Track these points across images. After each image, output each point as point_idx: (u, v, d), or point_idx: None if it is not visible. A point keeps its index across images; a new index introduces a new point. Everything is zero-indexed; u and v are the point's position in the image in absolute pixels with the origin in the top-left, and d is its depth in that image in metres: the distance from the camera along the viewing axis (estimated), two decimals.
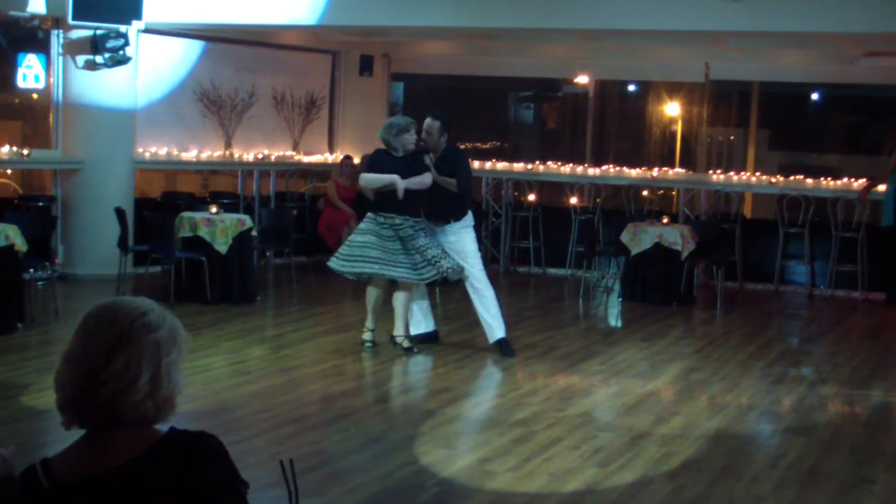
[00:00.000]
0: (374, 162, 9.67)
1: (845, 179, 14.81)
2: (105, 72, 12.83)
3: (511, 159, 16.54)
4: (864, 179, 14.44)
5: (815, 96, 22.27)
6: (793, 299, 13.94)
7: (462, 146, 18.50)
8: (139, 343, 2.57)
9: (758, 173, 15.83)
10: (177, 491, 2.50)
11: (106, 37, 12.55)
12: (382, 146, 9.60)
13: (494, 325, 9.60)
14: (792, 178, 15.00)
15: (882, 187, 13.77)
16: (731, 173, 15.60)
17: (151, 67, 13.89)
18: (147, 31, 13.33)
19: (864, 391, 8.82)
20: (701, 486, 6.23)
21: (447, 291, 13.42)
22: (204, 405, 7.62)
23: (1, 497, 2.43)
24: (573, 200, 15.27)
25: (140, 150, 13.75)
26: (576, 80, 18.15)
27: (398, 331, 9.52)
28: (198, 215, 11.81)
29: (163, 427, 2.59)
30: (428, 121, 9.67)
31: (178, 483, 2.51)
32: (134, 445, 2.53)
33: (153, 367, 2.56)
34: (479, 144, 20.99)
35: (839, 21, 11.45)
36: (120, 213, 12.02)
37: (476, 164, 16.39)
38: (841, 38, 12.92)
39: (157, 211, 13.08)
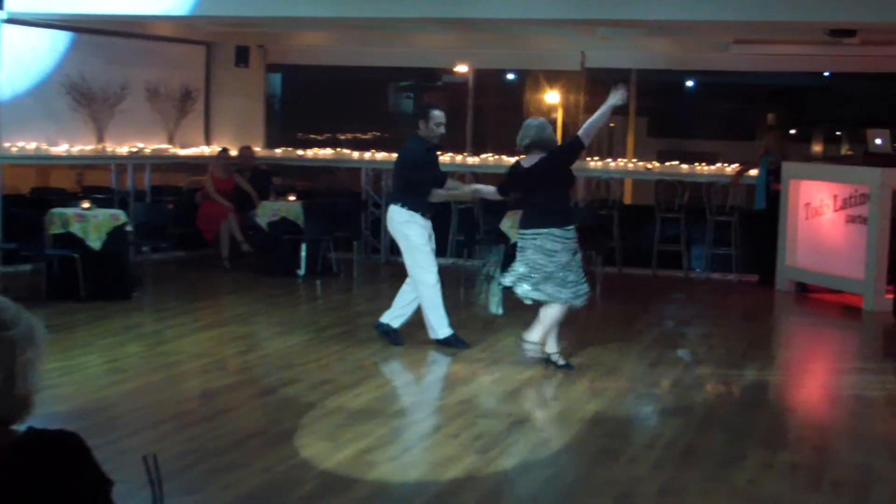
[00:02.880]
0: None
1: (719, 164, 15.11)
2: None
3: (391, 150, 16.50)
4: (737, 164, 14.75)
5: (690, 84, 22.68)
6: (670, 283, 14.16)
7: (342, 137, 18.49)
8: None
9: (634, 160, 16.05)
10: (36, 492, 2.44)
11: None
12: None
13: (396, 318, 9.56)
14: (667, 163, 15.24)
15: (754, 172, 14.08)
16: (609, 160, 15.79)
17: (15, 59, 13.50)
18: (9, 21, 12.98)
19: (737, 371, 9.00)
20: (579, 469, 6.29)
21: (327, 282, 13.37)
22: (78, 405, 7.46)
23: None
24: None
25: (6, 144, 13.37)
26: (455, 70, 18.20)
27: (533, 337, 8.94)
28: (69, 211, 11.56)
29: (20, 427, 2.52)
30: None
31: (38, 484, 2.44)
32: None
33: (7, 366, 2.48)
34: (359, 135, 20.94)
35: (706, 9, 11.65)
36: None
37: (355, 154, 16.35)
38: (709, 25, 13.15)
39: (27, 207, 12.77)
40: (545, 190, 8.68)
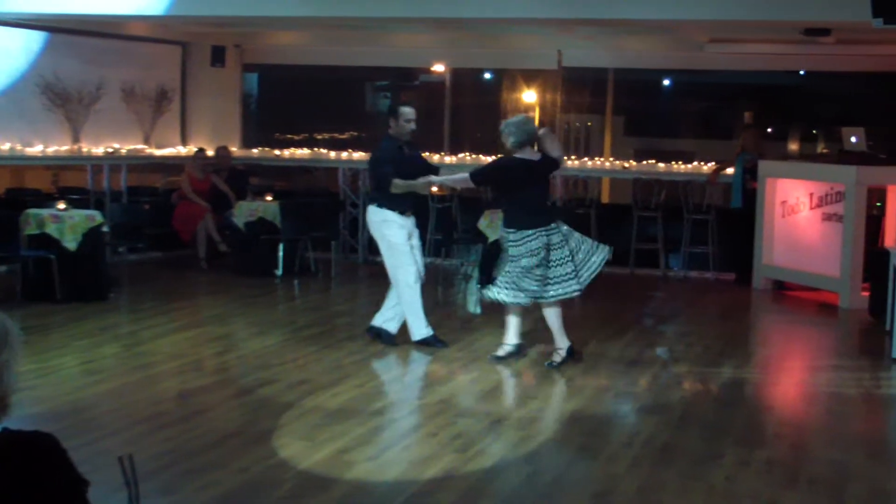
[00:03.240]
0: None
1: (696, 163, 15.15)
2: None
3: (368, 149, 16.47)
4: (714, 163, 14.80)
5: (666, 83, 22.73)
6: (647, 282, 14.19)
7: (319, 137, 18.47)
8: None
9: (612, 159, 16.09)
10: (12, 493, 2.42)
11: None
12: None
13: (390, 321, 9.53)
14: (644, 162, 15.27)
15: (731, 170, 14.13)
16: (586, 159, 15.82)
17: None
18: None
19: (715, 369, 9.03)
20: (558, 468, 6.29)
21: (305, 282, 13.35)
22: (53, 406, 7.42)
23: None
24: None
25: None
26: (432, 69, 18.21)
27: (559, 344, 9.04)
28: (45, 212, 11.50)
29: None
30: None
31: (13, 485, 2.43)
32: None
33: None
34: (336, 135, 20.92)
35: (682, 9, 11.71)
36: None
37: (332, 154, 16.33)
38: (685, 25, 13.19)
39: (2, 208, 12.70)
40: (540, 188, 8.72)
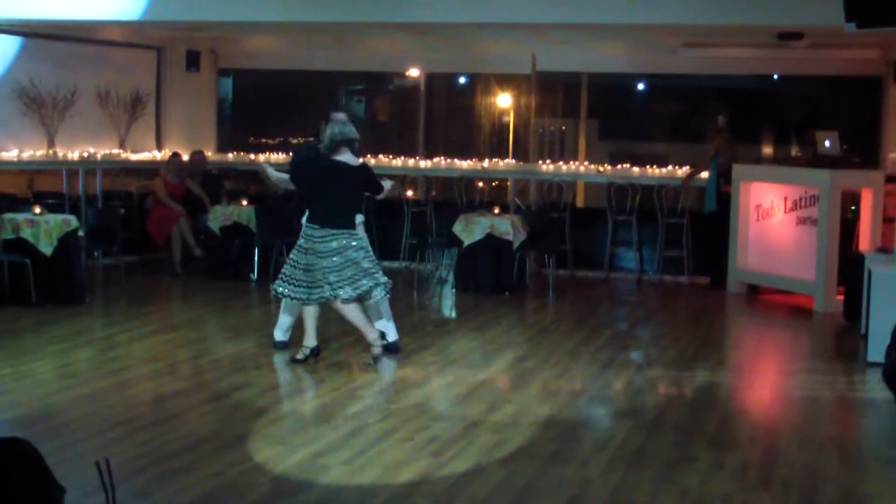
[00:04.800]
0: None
1: (670, 167, 15.21)
2: None
3: None
4: (688, 167, 14.86)
5: (640, 86, 22.78)
6: (622, 285, 14.25)
7: (294, 141, 18.42)
8: None
9: (587, 163, 16.12)
10: None
11: None
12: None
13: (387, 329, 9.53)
14: (619, 166, 15.32)
15: (704, 174, 14.19)
16: (561, 163, 15.85)
17: None
18: None
19: (688, 372, 9.07)
20: (532, 472, 6.31)
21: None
22: (27, 411, 7.41)
23: None
24: (408, 193, 15.32)
25: None
26: (407, 73, 18.21)
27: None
28: (20, 216, 11.48)
29: None
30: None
31: None
32: None
33: None
34: (310, 139, 20.83)
35: (655, 13, 11.77)
36: None
37: None
38: (658, 29, 13.25)
39: None
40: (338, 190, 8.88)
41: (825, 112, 19.51)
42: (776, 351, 10.94)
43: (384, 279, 8.99)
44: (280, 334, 9.55)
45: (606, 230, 14.60)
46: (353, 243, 8.83)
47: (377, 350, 9.03)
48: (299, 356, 9.03)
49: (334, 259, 8.75)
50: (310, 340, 9.05)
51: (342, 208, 8.86)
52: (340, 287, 8.78)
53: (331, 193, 8.84)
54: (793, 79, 18.25)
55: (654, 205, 14.44)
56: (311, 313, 9.01)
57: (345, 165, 8.86)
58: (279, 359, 9.26)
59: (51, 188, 15.37)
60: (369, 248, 9.07)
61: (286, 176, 9.28)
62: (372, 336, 9.02)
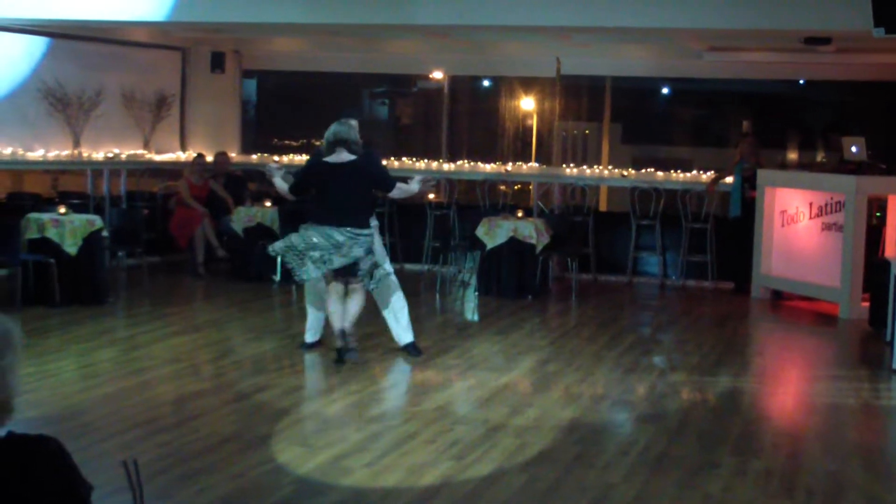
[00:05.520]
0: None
1: (694, 172, 15.16)
2: None
3: None
4: (712, 172, 14.81)
5: (664, 91, 22.72)
6: (645, 290, 14.21)
7: (317, 143, 18.44)
8: None
9: (610, 166, 16.08)
10: (16, 497, 2.42)
11: None
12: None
13: (404, 332, 9.49)
14: (643, 170, 15.27)
15: (729, 179, 14.13)
16: (584, 167, 15.81)
17: None
18: None
19: (712, 378, 9.03)
20: (554, 476, 6.28)
21: (302, 288, 13.32)
22: (51, 410, 7.42)
23: None
24: (430, 196, 15.30)
25: None
26: (430, 76, 18.22)
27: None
28: (45, 216, 11.52)
29: None
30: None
31: (17, 488, 2.43)
32: None
33: None
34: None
35: (681, 17, 11.72)
36: None
37: None
38: (683, 33, 13.21)
39: (2, 212, 12.70)
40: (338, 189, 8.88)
41: (852, 117, 19.42)
42: (800, 357, 10.88)
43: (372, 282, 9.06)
44: (310, 336, 9.52)
45: (630, 234, 14.55)
46: (359, 248, 8.85)
47: (339, 343, 9.06)
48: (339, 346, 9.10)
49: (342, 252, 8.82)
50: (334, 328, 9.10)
51: (348, 208, 8.84)
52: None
53: (333, 194, 8.86)
54: (819, 83, 18.18)
55: (677, 209, 14.39)
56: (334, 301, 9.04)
57: (341, 164, 8.86)
58: (304, 359, 9.26)
59: (75, 188, 15.45)
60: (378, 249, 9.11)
61: (286, 187, 9.26)
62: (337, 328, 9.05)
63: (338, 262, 8.82)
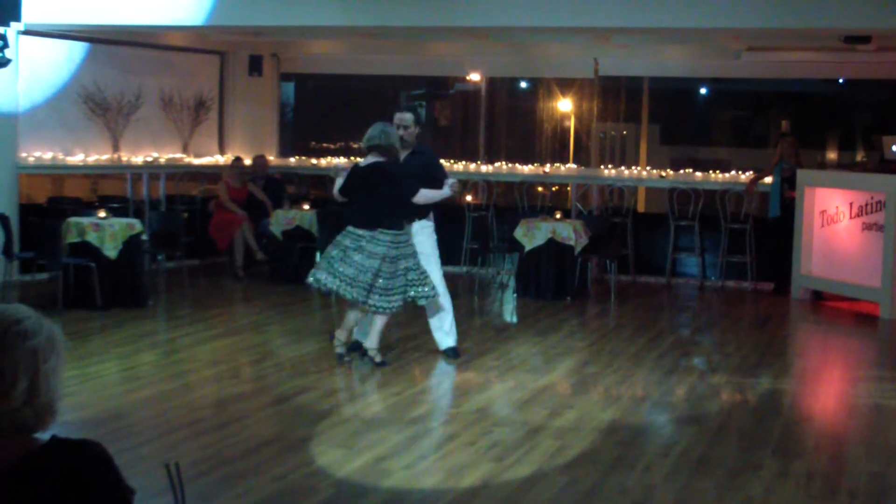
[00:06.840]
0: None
1: (733, 172, 15.08)
2: None
3: None
4: (752, 172, 14.73)
5: (702, 91, 22.64)
6: (684, 291, 14.15)
7: (355, 145, 18.50)
8: (14, 351, 2.49)
9: (648, 167, 16.03)
10: (59, 501, 2.44)
11: None
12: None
13: (445, 336, 9.48)
14: (681, 171, 15.21)
15: (768, 179, 14.05)
16: (623, 168, 15.77)
17: (32, 70, 13.59)
18: (27, 32, 13.06)
19: (752, 379, 8.98)
20: (595, 478, 6.27)
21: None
22: (93, 413, 7.48)
23: None
24: (467, 198, 15.31)
25: (23, 154, 13.46)
26: (467, 78, 18.22)
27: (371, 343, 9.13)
28: (86, 220, 11.61)
29: (43, 435, 2.53)
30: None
31: (60, 493, 2.44)
32: (12, 454, 2.46)
33: (30, 374, 2.49)
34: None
35: (719, 17, 11.67)
36: (3, 219, 11.75)
37: None
38: (722, 33, 13.15)
39: (44, 216, 12.81)
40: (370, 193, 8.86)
41: (892, 116, 19.26)
42: (841, 358, 10.81)
43: (398, 302, 8.87)
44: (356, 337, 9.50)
45: (668, 235, 14.50)
46: (393, 252, 8.82)
47: (378, 358, 9.04)
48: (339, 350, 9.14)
49: (376, 263, 8.77)
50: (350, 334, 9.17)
51: (373, 210, 8.84)
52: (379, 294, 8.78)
53: (361, 197, 8.91)
54: (859, 83, 18.07)
55: (716, 210, 14.32)
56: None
57: (367, 167, 8.91)
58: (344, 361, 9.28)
59: (115, 192, 15.57)
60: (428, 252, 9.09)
61: (335, 189, 9.30)
62: (371, 344, 9.03)
63: (347, 265, 8.80)
